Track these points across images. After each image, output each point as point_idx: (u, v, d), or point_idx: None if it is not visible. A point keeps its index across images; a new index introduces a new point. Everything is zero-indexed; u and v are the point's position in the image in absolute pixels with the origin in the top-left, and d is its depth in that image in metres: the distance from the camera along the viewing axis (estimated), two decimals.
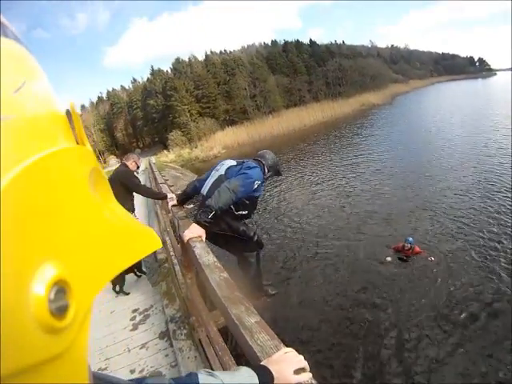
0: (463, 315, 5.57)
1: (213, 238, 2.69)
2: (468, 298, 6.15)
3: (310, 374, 1.01)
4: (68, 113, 0.34)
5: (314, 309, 5.83)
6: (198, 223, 2.33)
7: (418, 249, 7.18)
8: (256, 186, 2.63)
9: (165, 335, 2.79)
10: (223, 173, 2.72)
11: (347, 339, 5.08)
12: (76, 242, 0.25)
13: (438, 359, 4.80)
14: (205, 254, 2.25)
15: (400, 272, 7.04)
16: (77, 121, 0.35)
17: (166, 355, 2.55)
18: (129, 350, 2.67)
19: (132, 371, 2.45)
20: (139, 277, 3.94)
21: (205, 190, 2.77)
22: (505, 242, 7.82)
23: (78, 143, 0.32)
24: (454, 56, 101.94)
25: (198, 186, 2.89)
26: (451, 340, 5.04)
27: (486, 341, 5.06)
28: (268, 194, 13.93)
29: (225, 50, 46.28)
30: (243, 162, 2.74)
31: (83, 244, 0.26)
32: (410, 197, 11.27)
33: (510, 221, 8.92)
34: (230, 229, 2.80)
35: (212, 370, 1.51)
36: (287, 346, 1.10)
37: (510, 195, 10.43)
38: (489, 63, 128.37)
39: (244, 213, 2.79)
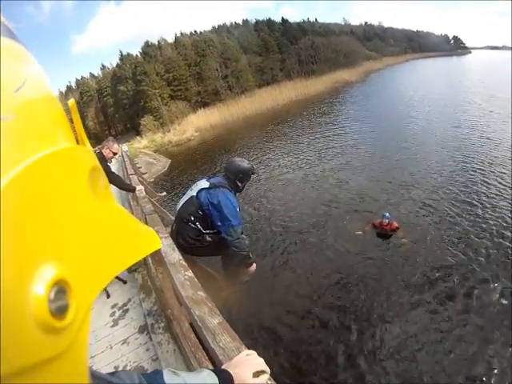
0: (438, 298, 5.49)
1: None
2: (443, 279, 6.10)
3: (268, 376, 1.00)
4: (68, 112, 0.34)
5: (283, 298, 5.66)
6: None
7: (395, 224, 7.01)
8: (237, 207, 3.01)
9: (144, 329, 2.77)
10: (195, 194, 3.02)
11: (315, 332, 4.97)
12: (76, 242, 0.25)
13: (408, 351, 4.70)
14: (170, 252, 2.33)
15: (375, 251, 6.91)
16: (77, 120, 0.34)
17: (147, 349, 2.54)
18: (111, 347, 2.64)
19: (116, 367, 2.40)
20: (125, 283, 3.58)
21: (178, 206, 3.23)
22: (479, 219, 7.84)
23: (78, 143, 0.32)
24: (428, 34, 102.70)
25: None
26: (426, 331, 4.96)
27: (460, 329, 5.00)
28: None
29: (195, 31, 44.86)
30: (215, 186, 2.99)
31: (83, 244, 0.25)
32: (383, 173, 11.17)
33: (481, 193, 9.00)
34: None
35: (190, 363, 1.59)
36: (248, 348, 1.10)
37: (481, 171, 10.57)
38: (463, 41, 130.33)
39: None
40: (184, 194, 3.24)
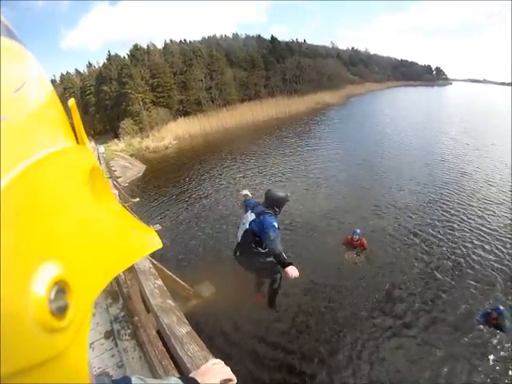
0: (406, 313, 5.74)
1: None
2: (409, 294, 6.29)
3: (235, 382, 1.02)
4: (68, 112, 0.34)
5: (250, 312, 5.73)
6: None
7: (364, 241, 7.36)
8: (276, 226, 3.72)
9: (110, 335, 2.76)
10: (248, 227, 3.91)
11: (284, 344, 5.12)
12: (76, 242, 0.25)
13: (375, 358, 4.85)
14: (141, 259, 2.26)
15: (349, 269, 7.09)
16: (77, 120, 0.34)
17: (113, 355, 2.53)
18: None
19: None
20: None
21: (238, 238, 4.23)
22: (449, 238, 8.36)
23: (78, 142, 0.32)
24: (412, 63, 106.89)
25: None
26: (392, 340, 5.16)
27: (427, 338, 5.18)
28: (211, 188, 13.83)
29: (184, 40, 45.11)
30: (259, 215, 3.81)
31: (83, 244, 0.25)
32: (358, 193, 11.59)
33: (454, 215, 9.54)
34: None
35: (156, 371, 1.57)
36: (216, 357, 1.12)
37: (456, 196, 11.11)
38: (445, 72, 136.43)
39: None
40: (238, 228, 4.31)
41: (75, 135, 0.33)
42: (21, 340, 0.19)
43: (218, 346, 5.00)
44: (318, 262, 7.21)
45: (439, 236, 8.44)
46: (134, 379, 0.75)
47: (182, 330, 1.48)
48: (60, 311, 0.21)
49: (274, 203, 3.96)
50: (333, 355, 4.96)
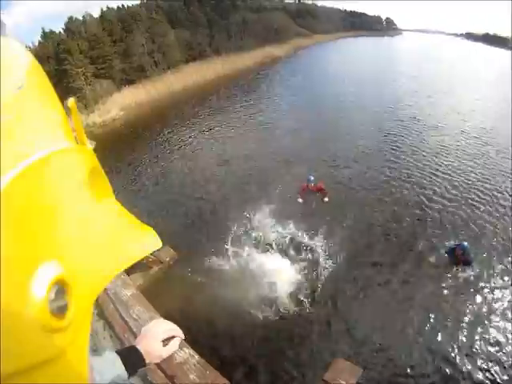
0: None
1: None
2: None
3: (179, 340, 0.95)
4: (68, 112, 0.33)
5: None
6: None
7: (321, 185, 7.77)
8: None
9: None
10: None
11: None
12: (76, 242, 0.24)
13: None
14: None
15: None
16: (77, 120, 0.34)
17: None
18: None
19: None
20: None
21: None
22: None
23: (77, 142, 0.31)
24: (361, 14, 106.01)
25: None
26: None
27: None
28: (161, 154, 14.17)
29: (122, 6, 42.21)
30: None
31: (83, 244, 0.25)
32: (311, 142, 12.07)
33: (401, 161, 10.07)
34: None
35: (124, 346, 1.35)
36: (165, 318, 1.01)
37: (407, 141, 11.68)
38: (396, 23, 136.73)
39: None
40: None
41: (75, 135, 0.32)
42: (21, 340, 0.18)
43: (180, 313, 4.98)
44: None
45: (394, 177, 9.04)
46: None
47: (126, 292, 1.41)
48: (60, 311, 0.21)
49: None
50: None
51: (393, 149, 10.88)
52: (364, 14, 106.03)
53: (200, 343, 4.51)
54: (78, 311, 0.22)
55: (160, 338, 0.95)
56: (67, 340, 0.22)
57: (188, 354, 1.09)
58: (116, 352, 0.85)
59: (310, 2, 72.86)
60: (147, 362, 0.89)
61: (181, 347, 1.06)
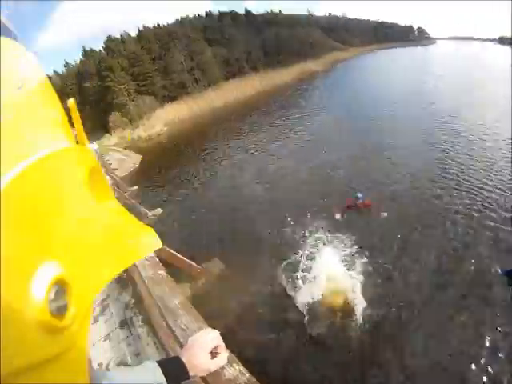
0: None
1: None
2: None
3: (227, 355, 0.89)
4: (68, 112, 0.33)
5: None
6: None
7: (368, 202, 7.64)
8: None
9: (124, 323, 2.72)
10: None
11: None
12: (76, 242, 0.24)
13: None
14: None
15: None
16: (77, 120, 0.34)
17: (129, 344, 2.47)
18: (93, 344, 2.57)
19: (100, 365, 2.35)
20: None
21: None
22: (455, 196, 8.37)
23: (77, 143, 0.31)
24: (393, 25, 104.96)
25: None
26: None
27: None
28: (206, 167, 14.20)
29: (158, 24, 43.92)
30: None
31: (83, 244, 0.25)
32: (358, 155, 11.74)
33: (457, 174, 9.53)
34: None
35: (168, 354, 1.36)
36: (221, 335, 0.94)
37: (454, 155, 11.14)
38: (428, 32, 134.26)
39: None
40: None
41: (75, 135, 0.33)
42: (21, 340, 0.19)
43: (227, 323, 4.92)
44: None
45: (444, 191, 8.51)
46: (101, 374, 0.66)
47: (174, 300, 1.35)
48: (60, 311, 0.21)
49: None
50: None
51: (440, 163, 10.31)
52: (396, 25, 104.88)
53: (248, 360, 4.44)
54: (78, 311, 0.23)
55: (208, 348, 0.88)
56: (67, 340, 0.22)
57: (238, 371, 1.00)
58: (157, 362, 0.79)
59: (341, 15, 73.19)
60: (191, 374, 0.82)
61: (231, 363, 0.98)
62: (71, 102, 0.34)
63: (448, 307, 5.26)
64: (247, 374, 1.00)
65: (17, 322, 0.18)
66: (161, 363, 0.78)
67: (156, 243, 0.35)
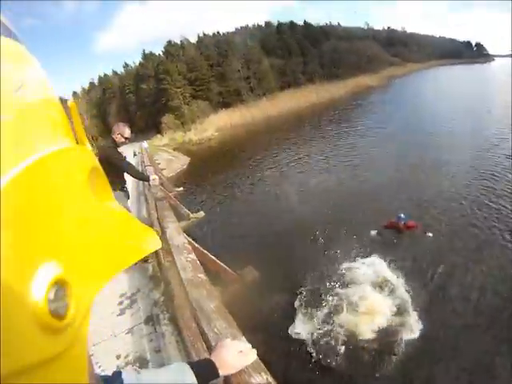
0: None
1: None
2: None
3: (255, 355, 0.96)
4: (68, 112, 0.33)
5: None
6: None
7: (412, 223, 7.17)
8: None
9: (150, 320, 2.75)
10: None
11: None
12: (76, 242, 0.25)
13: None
14: (175, 235, 2.29)
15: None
16: (76, 120, 0.34)
17: (151, 340, 2.51)
18: (115, 336, 2.62)
19: (118, 357, 2.38)
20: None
21: None
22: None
23: (77, 142, 0.32)
24: (451, 40, 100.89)
25: None
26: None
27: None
28: (253, 176, 14.06)
29: (218, 32, 45.24)
30: None
31: (83, 244, 0.25)
32: (408, 174, 11.09)
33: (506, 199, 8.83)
34: None
35: (190, 355, 1.48)
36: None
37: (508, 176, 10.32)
38: (486, 48, 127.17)
39: None
40: None
41: (75, 135, 0.33)
42: (20, 340, 0.19)
43: (256, 332, 4.64)
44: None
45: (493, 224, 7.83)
46: (125, 372, 0.70)
47: (210, 304, 1.38)
48: (60, 311, 0.21)
49: None
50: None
51: (488, 191, 9.47)
52: (454, 40, 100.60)
53: (276, 371, 4.20)
54: (78, 311, 0.23)
55: (237, 348, 0.93)
56: (67, 340, 0.22)
57: (265, 380, 0.99)
58: (188, 363, 0.83)
59: (400, 29, 71.34)
60: (221, 373, 0.87)
61: (259, 371, 0.98)
62: (71, 102, 0.35)
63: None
64: None
65: (16, 322, 0.19)
66: (191, 364, 0.82)
67: (156, 243, 0.35)
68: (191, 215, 9.46)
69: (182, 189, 13.01)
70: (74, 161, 0.28)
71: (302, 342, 4.97)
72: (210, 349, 1.26)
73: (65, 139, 0.29)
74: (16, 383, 0.19)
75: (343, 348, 4.82)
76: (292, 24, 45.99)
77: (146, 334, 2.57)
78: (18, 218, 0.20)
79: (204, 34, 44.04)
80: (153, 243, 0.35)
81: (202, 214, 9.84)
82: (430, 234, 7.08)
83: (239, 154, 18.67)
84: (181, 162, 19.25)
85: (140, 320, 2.76)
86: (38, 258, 0.21)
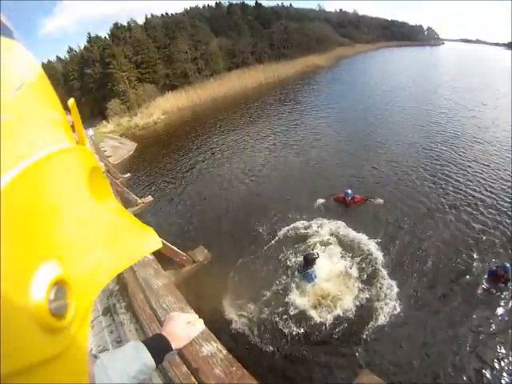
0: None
1: None
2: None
3: (203, 324, 0.97)
4: (68, 112, 0.33)
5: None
6: None
7: (358, 198, 7.37)
8: None
9: (107, 311, 2.71)
10: None
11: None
12: (76, 242, 0.25)
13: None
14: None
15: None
16: (77, 120, 0.34)
17: (111, 332, 2.46)
18: None
19: None
20: None
21: None
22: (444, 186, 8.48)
23: (77, 143, 0.32)
24: (403, 23, 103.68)
25: None
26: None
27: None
28: (200, 157, 14.11)
29: (166, 13, 43.41)
30: None
31: (83, 244, 0.25)
32: (351, 148, 11.77)
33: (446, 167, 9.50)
34: None
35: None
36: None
37: (446, 148, 10.91)
38: (437, 33, 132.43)
39: None
40: None
41: (75, 135, 0.32)
42: (21, 340, 0.19)
43: (210, 311, 4.91)
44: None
45: (432, 192, 8.32)
46: (97, 359, 0.71)
47: (158, 282, 1.41)
48: (60, 311, 0.21)
49: None
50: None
51: (433, 164, 10.07)
52: (405, 24, 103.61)
53: (228, 342, 4.28)
54: (78, 311, 0.23)
55: (184, 319, 0.95)
56: (67, 340, 0.22)
57: (216, 349, 1.03)
58: (142, 341, 0.83)
59: (351, 12, 72.30)
60: (173, 346, 0.87)
61: (209, 341, 1.03)
62: (71, 102, 0.34)
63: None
64: (224, 351, 1.05)
65: (17, 322, 0.18)
66: (145, 341, 0.82)
67: (156, 243, 0.35)
68: (139, 200, 9.43)
69: (128, 175, 12.82)
70: (74, 161, 0.28)
71: (251, 313, 5.06)
72: (161, 324, 1.28)
73: (65, 139, 0.28)
74: (16, 383, 0.18)
75: (294, 311, 4.96)
76: (243, 5, 45.12)
77: (106, 326, 2.52)
78: (19, 218, 0.19)
79: (152, 15, 42.09)
80: (153, 243, 0.35)
81: (150, 198, 9.81)
82: (381, 201, 7.55)
83: (185, 136, 18.39)
84: (127, 148, 18.72)
85: (98, 313, 2.70)
86: (38, 257, 0.20)
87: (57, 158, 0.25)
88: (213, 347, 1.06)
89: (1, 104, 0.21)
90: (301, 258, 5.70)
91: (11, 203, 0.19)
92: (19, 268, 0.19)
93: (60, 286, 0.21)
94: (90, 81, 36.59)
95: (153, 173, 13.20)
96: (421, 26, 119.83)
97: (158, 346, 0.84)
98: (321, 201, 7.74)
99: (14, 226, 0.19)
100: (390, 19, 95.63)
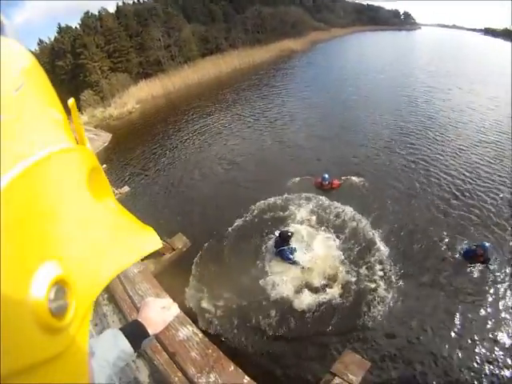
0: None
1: None
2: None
3: (177, 308, 0.97)
4: (68, 112, 0.33)
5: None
6: None
7: (336, 182, 7.50)
8: None
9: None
10: None
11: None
12: (76, 242, 0.24)
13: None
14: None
15: None
16: (77, 120, 0.34)
17: (96, 324, 2.45)
18: None
19: None
20: None
21: None
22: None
23: (77, 143, 0.31)
24: (378, 8, 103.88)
25: None
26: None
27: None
28: (175, 145, 14.43)
29: (138, 0, 42.32)
30: None
31: (83, 244, 0.25)
32: (327, 132, 12.03)
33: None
34: None
35: None
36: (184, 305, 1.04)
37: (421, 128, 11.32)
38: (413, 17, 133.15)
39: None
40: None
41: (75, 135, 0.31)
42: (21, 340, 0.18)
43: (189, 297, 5.06)
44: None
45: (412, 170, 8.71)
46: None
47: (134, 270, 1.41)
48: (60, 311, 0.21)
49: None
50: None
51: (407, 147, 10.48)
52: (381, 8, 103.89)
53: (206, 326, 4.55)
54: (78, 311, 0.22)
55: (159, 304, 0.95)
56: (67, 340, 0.21)
57: (192, 332, 1.05)
58: (120, 329, 0.84)
59: None
60: (150, 331, 0.88)
61: (184, 324, 1.06)
62: (71, 102, 0.33)
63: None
64: (200, 334, 1.14)
65: (17, 322, 0.18)
66: (121, 329, 0.84)
67: (156, 242, 0.35)
68: (116, 191, 9.44)
69: (104, 166, 12.74)
70: (74, 161, 0.27)
71: (230, 298, 5.15)
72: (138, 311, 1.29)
73: (65, 139, 0.28)
74: (16, 383, 0.18)
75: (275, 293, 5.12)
76: None
77: (90, 319, 2.43)
78: (19, 218, 0.19)
79: (123, 3, 40.92)
80: (153, 243, 0.35)
81: (126, 188, 9.99)
82: (360, 179, 7.88)
83: (160, 125, 18.38)
84: (102, 140, 18.41)
85: None
86: (38, 257, 0.20)
87: (57, 158, 0.24)
88: (188, 331, 0.99)
89: (1, 104, 0.21)
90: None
91: (11, 203, 0.19)
92: (19, 268, 0.19)
93: (60, 286, 0.21)
94: (61, 72, 35.52)
95: (129, 163, 13.30)
96: (397, 11, 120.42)
97: (135, 333, 0.85)
98: (297, 179, 8.01)
99: (14, 226, 0.19)
100: (365, 3, 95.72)
